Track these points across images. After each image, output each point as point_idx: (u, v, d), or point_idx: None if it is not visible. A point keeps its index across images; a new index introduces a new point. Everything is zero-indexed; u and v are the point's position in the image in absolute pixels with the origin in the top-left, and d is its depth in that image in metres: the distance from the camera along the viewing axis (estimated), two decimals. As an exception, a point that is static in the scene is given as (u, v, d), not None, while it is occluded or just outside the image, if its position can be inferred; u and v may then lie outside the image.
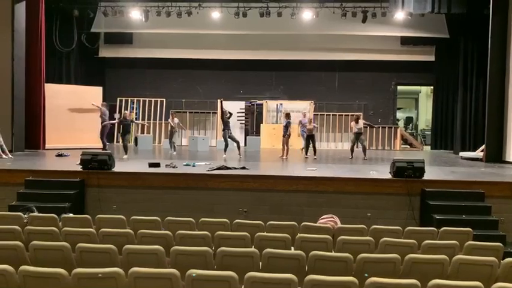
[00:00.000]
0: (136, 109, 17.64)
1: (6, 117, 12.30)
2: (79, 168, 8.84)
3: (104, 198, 8.48)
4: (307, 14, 15.26)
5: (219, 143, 14.35)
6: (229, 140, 12.71)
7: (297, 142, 15.26)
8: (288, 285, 3.32)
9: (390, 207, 8.23)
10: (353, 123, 12.92)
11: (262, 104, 17.71)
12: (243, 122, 17.74)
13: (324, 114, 17.47)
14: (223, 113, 12.86)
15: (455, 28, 15.71)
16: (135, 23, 16.18)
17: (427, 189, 8.13)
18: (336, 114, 17.50)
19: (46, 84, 14.16)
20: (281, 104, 17.52)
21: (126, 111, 14.17)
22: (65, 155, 12.12)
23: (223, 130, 12.94)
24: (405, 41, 17.19)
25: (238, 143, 12.85)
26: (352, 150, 13.03)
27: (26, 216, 6.08)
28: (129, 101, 17.68)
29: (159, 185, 8.65)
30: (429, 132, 19.02)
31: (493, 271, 4.11)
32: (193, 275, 3.39)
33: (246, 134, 17.54)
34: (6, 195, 8.37)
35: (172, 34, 17.02)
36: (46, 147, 13.88)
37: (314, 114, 16.66)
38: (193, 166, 9.96)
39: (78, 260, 4.28)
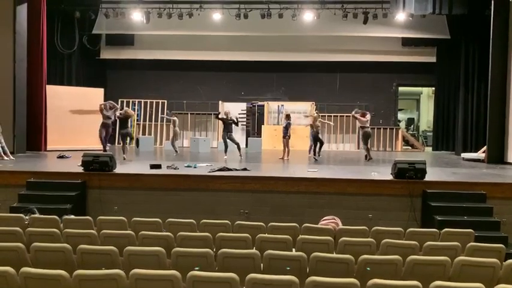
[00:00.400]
0: (137, 110, 17.65)
1: (8, 119, 12.29)
2: (80, 169, 8.84)
3: (105, 200, 8.48)
4: (308, 16, 15.23)
5: (220, 144, 14.34)
6: (228, 141, 12.70)
7: (297, 143, 15.25)
8: (289, 287, 3.32)
9: (392, 209, 8.21)
10: (359, 117, 12.80)
11: (263, 105, 17.70)
12: (244, 123, 17.73)
13: (325, 116, 17.42)
14: (226, 118, 12.78)
15: (457, 29, 15.69)
16: (137, 24, 16.18)
17: (428, 191, 8.11)
18: (337, 116, 17.48)
19: (48, 86, 14.15)
20: (282, 105, 17.51)
21: (127, 108, 14.16)
22: (67, 157, 12.11)
23: (223, 131, 12.95)
24: (406, 42, 17.18)
25: (238, 144, 12.84)
26: (368, 150, 12.74)
27: (27, 217, 6.07)
28: (131, 102, 17.69)
29: (160, 187, 8.65)
30: (431, 134, 18.98)
31: (495, 273, 4.10)
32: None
33: (247, 135, 17.55)
34: (8, 196, 8.37)
35: (173, 36, 17.03)
36: (47, 149, 13.85)
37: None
38: (195, 167, 9.97)
39: (79, 261, 4.28)
